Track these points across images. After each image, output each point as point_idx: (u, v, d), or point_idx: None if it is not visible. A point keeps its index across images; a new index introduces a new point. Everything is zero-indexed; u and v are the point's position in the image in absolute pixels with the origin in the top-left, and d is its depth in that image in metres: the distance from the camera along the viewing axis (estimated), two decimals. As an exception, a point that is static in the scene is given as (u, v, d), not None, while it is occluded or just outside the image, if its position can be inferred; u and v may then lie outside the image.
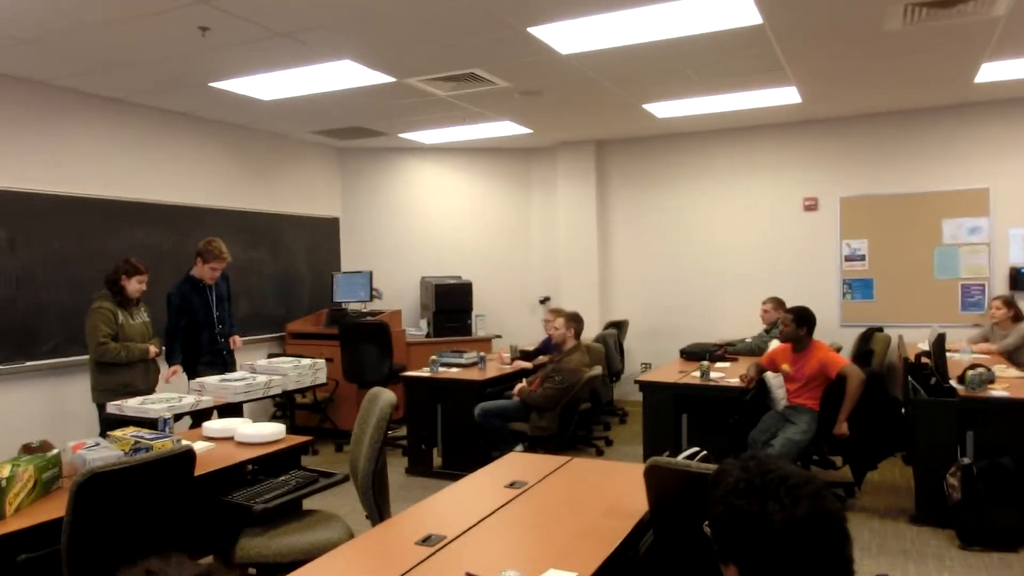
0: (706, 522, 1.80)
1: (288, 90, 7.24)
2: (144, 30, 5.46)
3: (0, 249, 6.55)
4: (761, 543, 1.64)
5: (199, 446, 4.29)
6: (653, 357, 10.38)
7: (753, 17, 5.56)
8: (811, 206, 9.67)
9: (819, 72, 7.26)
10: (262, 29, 5.49)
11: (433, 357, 7.91)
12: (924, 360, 6.90)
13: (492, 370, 7.83)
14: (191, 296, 6.72)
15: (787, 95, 8.08)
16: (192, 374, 6.62)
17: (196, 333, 6.75)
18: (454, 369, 7.86)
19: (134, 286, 6.16)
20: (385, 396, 3.98)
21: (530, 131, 9.75)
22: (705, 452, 3.44)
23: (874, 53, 6.66)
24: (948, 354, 6.69)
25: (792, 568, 1.62)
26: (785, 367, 6.45)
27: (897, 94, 8.32)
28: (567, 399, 6.80)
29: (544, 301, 11.12)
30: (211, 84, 6.96)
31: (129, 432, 4.12)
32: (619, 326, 10.02)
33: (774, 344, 7.16)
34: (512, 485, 3.70)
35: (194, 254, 6.79)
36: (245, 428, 4.63)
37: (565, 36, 5.88)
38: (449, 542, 2.93)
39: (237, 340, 7.08)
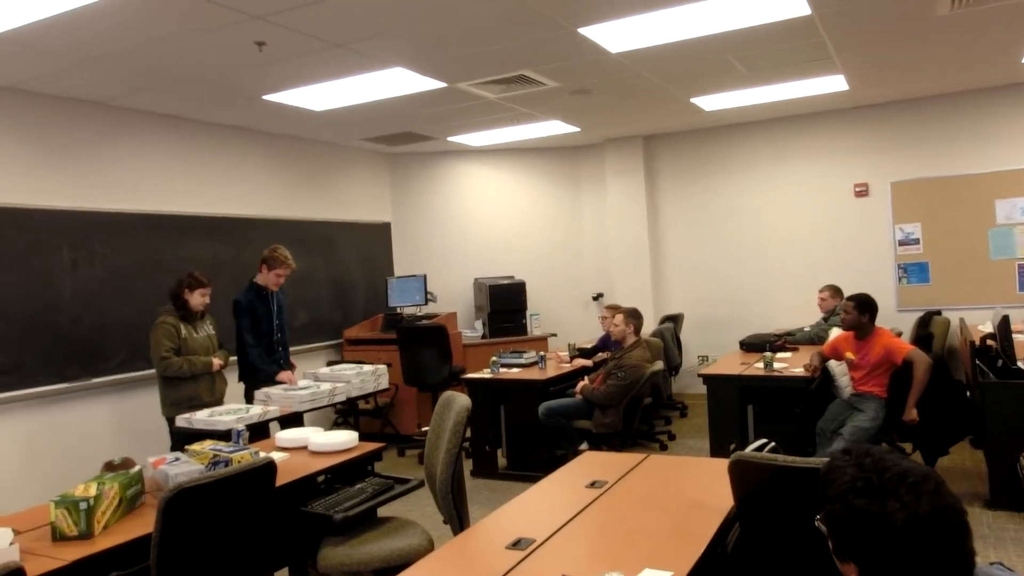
0: (818, 517, 1.80)
1: (340, 99, 7.28)
2: (203, 46, 5.51)
3: (63, 268, 6.65)
4: (883, 542, 1.63)
5: (274, 456, 4.32)
6: (710, 349, 10.31)
7: (802, 8, 5.52)
8: (862, 192, 9.57)
9: (867, 59, 7.19)
10: (318, 41, 5.52)
11: (493, 358, 7.93)
12: (989, 342, 6.80)
13: (553, 369, 7.82)
14: (257, 303, 6.73)
15: (834, 83, 8.02)
16: (254, 384, 6.64)
17: (257, 341, 6.76)
18: (514, 369, 7.87)
19: (197, 299, 6.21)
20: (460, 400, 3.97)
21: (578, 129, 9.73)
22: (773, 443, 3.42)
23: (922, 38, 6.59)
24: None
25: (915, 565, 1.61)
26: (849, 355, 6.35)
27: (945, 77, 8.21)
28: (631, 395, 6.78)
29: (597, 297, 11.11)
30: (264, 97, 7.02)
31: (207, 446, 4.16)
32: (675, 320, 9.97)
33: (834, 332, 7.09)
34: (593, 485, 3.69)
35: (258, 262, 6.81)
36: (318, 437, 4.66)
37: (615, 35, 5.87)
38: (540, 545, 2.92)
39: (292, 378, 6.79)
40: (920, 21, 6.04)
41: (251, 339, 6.67)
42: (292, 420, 5.86)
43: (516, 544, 2.93)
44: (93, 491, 3.32)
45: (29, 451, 6.37)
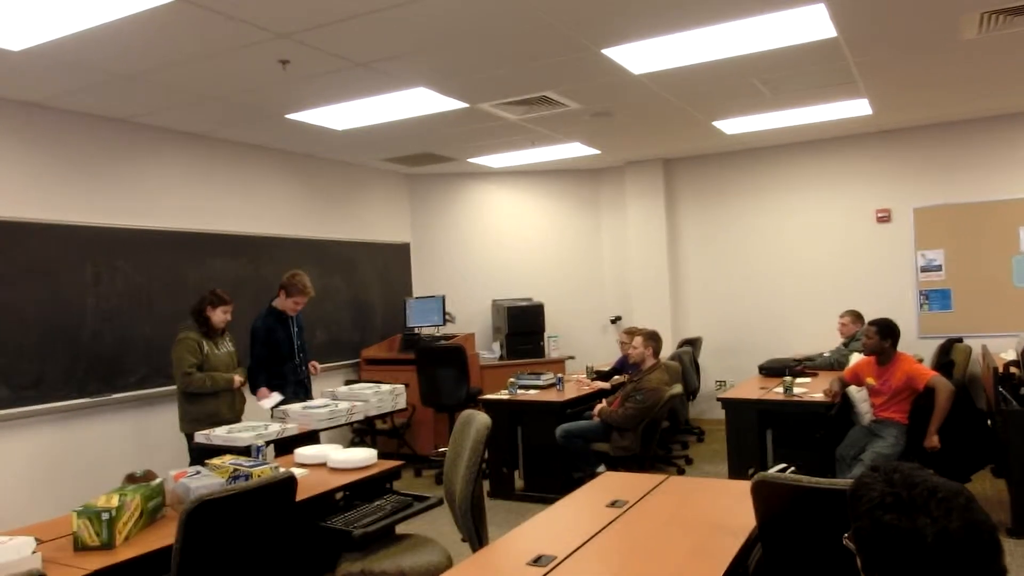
0: (846, 535, 1.77)
1: (362, 119, 7.32)
2: (228, 64, 5.57)
3: (86, 284, 6.70)
4: (913, 558, 1.60)
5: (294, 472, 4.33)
6: (728, 374, 10.27)
7: (828, 31, 5.49)
8: (884, 218, 9.52)
9: (891, 83, 7.16)
10: (342, 60, 5.56)
11: (511, 379, 7.92)
12: (1012, 370, 6.75)
13: (571, 391, 7.80)
14: (276, 329, 6.75)
15: (858, 107, 7.98)
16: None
17: (280, 364, 6.77)
18: (532, 391, 7.85)
19: (219, 316, 6.25)
20: (480, 419, 3.97)
21: (598, 151, 9.75)
22: (793, 468, 3.39)
23: (949, 62, 6.55)
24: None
25: None
26: (870, 380, 6.30)
27: (970, 102, 8.17)
28: (649, 418, 6.75)
29: (616, 320, 11.08)
30: (287, 116, 7.07)
31: (228, 460, 4.17)
32: (693, 344, 9.93)
33: (854, 358, 7.03)
34: (613, 504, 3.67)
35: (277, 286, 6.83)
36: (338, 454, 4.66)
37: (638, 56, 5.86)
38: (561, 562, 2.91)
39: (316, 366, 7.12)
40: (947, 45, 6.01)
41: (255, 365, 6.72)
42: (309, 438, 5.87)
43: (537, 561, 2.91)
44: (115, 502, 3.34)
45: (48, 465, 6.40)
